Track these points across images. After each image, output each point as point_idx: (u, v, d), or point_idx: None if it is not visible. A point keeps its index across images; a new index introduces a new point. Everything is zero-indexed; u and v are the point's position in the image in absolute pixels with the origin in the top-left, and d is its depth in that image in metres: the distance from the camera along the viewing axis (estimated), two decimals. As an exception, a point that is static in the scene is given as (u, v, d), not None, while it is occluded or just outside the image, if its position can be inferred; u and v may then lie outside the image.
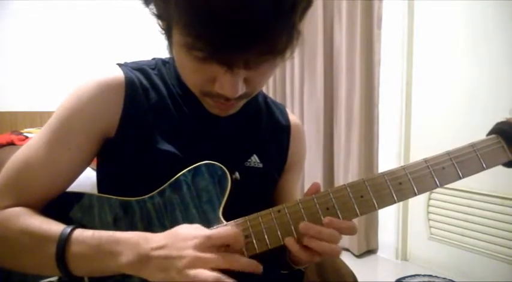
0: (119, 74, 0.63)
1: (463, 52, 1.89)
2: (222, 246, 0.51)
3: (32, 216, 0.57)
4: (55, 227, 0.55)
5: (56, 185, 0.61)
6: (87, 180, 0.73)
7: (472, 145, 0.57)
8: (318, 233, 0.53)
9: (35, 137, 0.62)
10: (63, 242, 0.53)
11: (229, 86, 0.52)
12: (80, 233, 0.54)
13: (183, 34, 0.48)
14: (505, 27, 1.72)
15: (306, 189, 0.58)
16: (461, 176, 0.56)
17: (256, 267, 0.51)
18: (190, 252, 0.48)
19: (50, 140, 0.60)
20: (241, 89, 0.53)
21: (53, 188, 0.61)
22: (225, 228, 0.52)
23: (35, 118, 2.55)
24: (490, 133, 0.60)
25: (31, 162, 0.60)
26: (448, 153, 0.57)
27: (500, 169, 0.60)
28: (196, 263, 0.47)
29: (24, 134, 1.99)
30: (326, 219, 0.53)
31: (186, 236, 0.50)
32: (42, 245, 0.54)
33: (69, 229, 0.54)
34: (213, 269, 0.47)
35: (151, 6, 0.52)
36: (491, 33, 1.77)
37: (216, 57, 0.48)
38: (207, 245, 0.49)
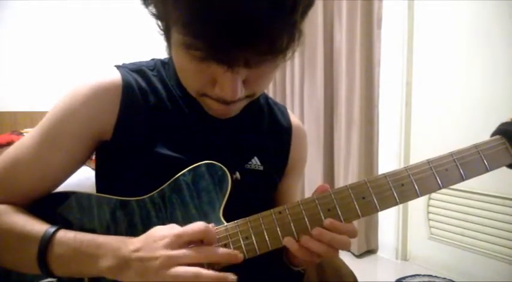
0: (116, 77, 0.62)
1: (463, 52, 1.88)
2: (196, 242, 0.50)
3: (17, 214, 0.57)
4: (38, 227, 0.54)
5: (44, 185, 0.61)
6: (87, 180, 0.73)
7: (476, 146, 0.57)
8: (331, 239, 0.52)
9: (27, 135, 0.62)
10: (46, 242, 0.53)
11: (229, 88, 0.51)
12: (63, 235, 0.54)
13: (182, 33, 0.47)
14: (506, 27, 1.72)
15: (306, 191, 0.57)
16: (464, 177, 0.55)
17: (235, 257, 0.50)
18: (162, 252, 0.48)
19: (41, 140, 0.60)
20: (241, 92, 0.53)
21: (40, 188, 0.61)
22: (194, 224, 0.51)
23: (35, 118, 2.54)
24: (494, 134, 0.59)
25: (20, 160, 0.59)
26: (452, 154, 0.56)
27: (500, 169, 0.59)
28: (170, 262, 0.47)
29: (24, 134, 1.99)
30: (327, 221, 0.53)
31: (158, 236, 0.50)
32: (25, 244, 0.54)
33: (52, 230, 0.54)
34: (191, 265, 0.47)
35: (151, 7, 0.51)
36: (492, 33, 1.77)
37: (215, 56, 0.47)
38: (178, 243, 0.49)
